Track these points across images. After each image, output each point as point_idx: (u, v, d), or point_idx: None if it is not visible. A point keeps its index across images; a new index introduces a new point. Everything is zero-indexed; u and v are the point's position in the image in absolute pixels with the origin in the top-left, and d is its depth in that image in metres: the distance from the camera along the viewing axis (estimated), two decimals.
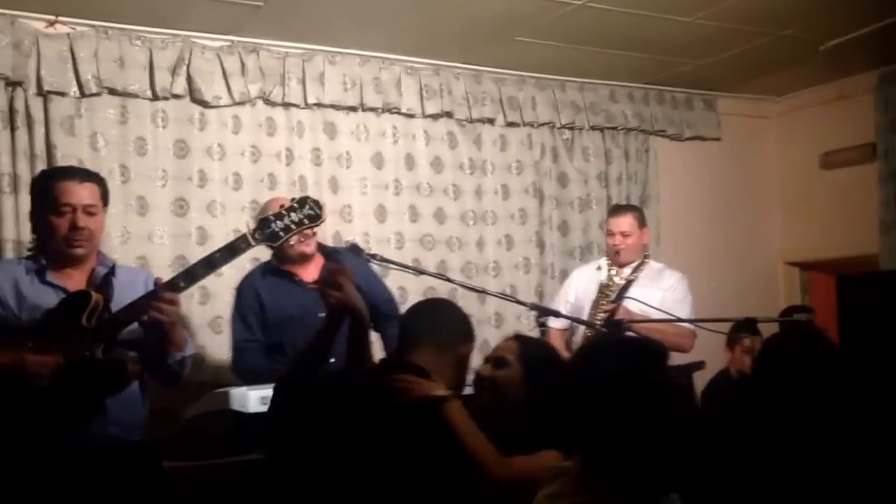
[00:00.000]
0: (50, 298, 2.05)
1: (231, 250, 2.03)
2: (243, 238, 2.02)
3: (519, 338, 1.91)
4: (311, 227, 2.07)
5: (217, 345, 3.23)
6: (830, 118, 4.40)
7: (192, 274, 2.02)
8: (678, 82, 4.28)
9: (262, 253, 3.23)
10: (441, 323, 1.93)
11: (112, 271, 2.17)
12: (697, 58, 3.90)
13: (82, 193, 2.08)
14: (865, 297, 4.11)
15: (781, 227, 4.69)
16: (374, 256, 2.83)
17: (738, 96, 4.56)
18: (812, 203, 4.52)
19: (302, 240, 2.63)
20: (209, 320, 3.28)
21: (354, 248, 2.84)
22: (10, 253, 2.95)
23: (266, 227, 2.01)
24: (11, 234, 2.96)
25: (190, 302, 3.18)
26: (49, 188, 2.09)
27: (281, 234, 2.01)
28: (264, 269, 2.82)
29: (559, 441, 1.60)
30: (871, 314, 3.58)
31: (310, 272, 2.75)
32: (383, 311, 2.83)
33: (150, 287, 2.05)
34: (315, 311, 2.62)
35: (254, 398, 2.41)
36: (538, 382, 1.75)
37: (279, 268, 2.78)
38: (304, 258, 2.76)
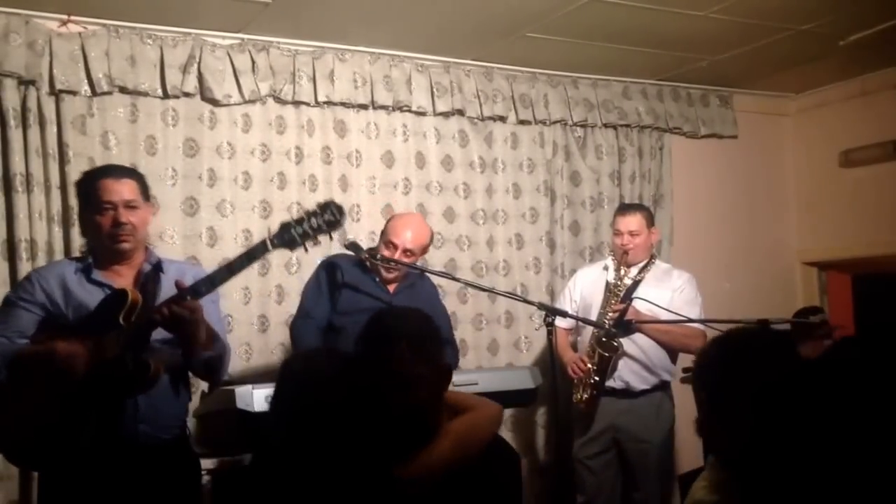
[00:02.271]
0: (96, 297, 2.12)
1: (250, 256, 2.08)
2: (262, 243, 2.07)
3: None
4: (328, 233, 2.10)
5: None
6: (851, 115, 4.31)
7: (213, 280, 2.08)
8: (693, 79, 4.21)
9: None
10: None
11: (159, 267, 2.21)
12: (713, 53, 3.83)
13: (122, 190, 2.14)
14: (883, 298, 4.03)
15: (799, 227, 4.60)
16: (374, 255, 2.82)
17: (756, 93, 4.47)
18: (831, 202, 4.43)
19: (386, 268, 2.89)
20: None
21: (353, 246, 2.84)
22: (23, 252, 2.96)
23: (286, 233, 2.04)
24: (25, 234, 2.97)
25: None
26: (90, 188, 2.17)
27: (299, 239, 2.04)
28: (354, 260, 2.99)
29: None
30: (889, 314, 3.52)
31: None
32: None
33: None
34: None
35: (258, 397, 2.41)
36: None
37: (366, 266, 2.97)
38: (390, 281, 3.00)
